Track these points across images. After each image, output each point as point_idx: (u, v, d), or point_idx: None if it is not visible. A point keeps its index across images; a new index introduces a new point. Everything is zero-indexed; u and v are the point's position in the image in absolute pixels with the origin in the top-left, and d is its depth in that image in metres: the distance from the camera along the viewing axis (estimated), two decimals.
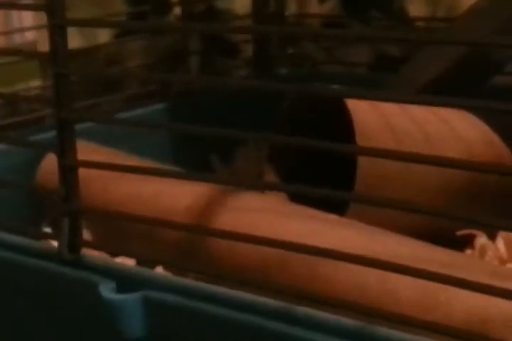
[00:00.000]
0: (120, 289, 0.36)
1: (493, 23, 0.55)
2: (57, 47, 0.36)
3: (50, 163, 0.53)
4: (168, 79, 0.46)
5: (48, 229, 0.52)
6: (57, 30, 0.36)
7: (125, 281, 0.36)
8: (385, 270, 0.32)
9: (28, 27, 0.73)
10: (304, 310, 0.33)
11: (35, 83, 0.73)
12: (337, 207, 0.46)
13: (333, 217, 0.45)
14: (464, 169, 0.31)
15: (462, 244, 0.50)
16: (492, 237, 0.51)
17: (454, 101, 0.30)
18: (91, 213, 0.40)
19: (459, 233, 0.50)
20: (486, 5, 0.57)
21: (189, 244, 0.45)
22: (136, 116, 0.62)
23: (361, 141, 0.47)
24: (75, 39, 0.75)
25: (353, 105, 0.48)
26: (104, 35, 0.82)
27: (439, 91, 0.53)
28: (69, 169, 0.37)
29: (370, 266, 0.33)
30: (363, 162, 0.47)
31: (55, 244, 0.40)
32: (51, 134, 0.52)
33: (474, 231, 0.50)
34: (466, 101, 0.29)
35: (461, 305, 0.37)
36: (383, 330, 0.32)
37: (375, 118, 0.48)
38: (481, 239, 0.50)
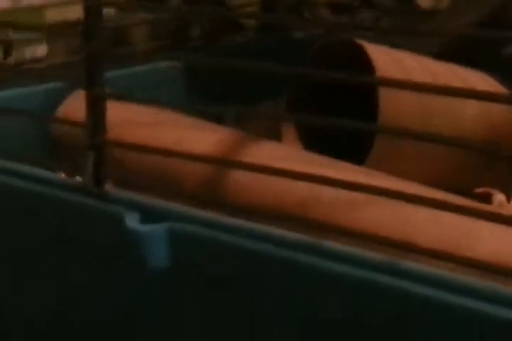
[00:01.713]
0: (145, 221, 0.36)
1: None
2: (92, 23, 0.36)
3: (71, 101, 0.53)
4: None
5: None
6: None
7: (150, 213, 0.36)
8: (407, 201, 0.33)
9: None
10: (329, 243, 0.33)
11: (42, 49, 0.73)
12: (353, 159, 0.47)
13: (350, 165, 0.46)
14: (474, 98, 0.31)
15: (480, 202, 0.50)
16: (507, 198, 0.51)
17: None
18: (117, 145, 0.40)
19: (477, 190, 0.50)
20: None
21: (208, 188, 0.45)
22: (154, 69, 0.62)
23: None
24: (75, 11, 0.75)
25: (375, 55, 0.48)
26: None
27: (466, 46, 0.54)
28: (97, 100, 0.37)
29: (393, 198, 0.33)
30: (384, 95, 0.46)
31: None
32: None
33: (491, 190, 0.50)
34: None
35: (482, 248, 0.37)
36: (409, 264, 0.32)
37: (396, 69, 0.48)
38: (499, 196, 0.50)
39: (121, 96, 0.38)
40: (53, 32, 0.67)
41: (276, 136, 0.53)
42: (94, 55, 0.37)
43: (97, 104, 0.37)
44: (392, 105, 0.47)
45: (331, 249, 0.33)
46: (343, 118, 0.53)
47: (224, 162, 0.41)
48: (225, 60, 0.35)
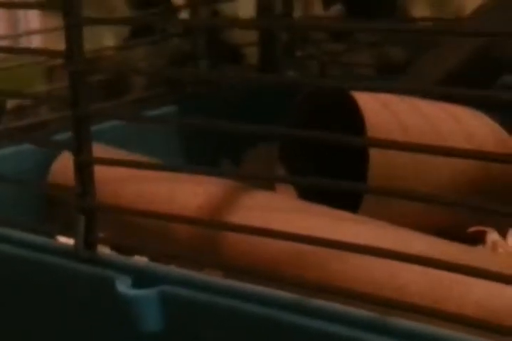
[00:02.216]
0: (136, 285, 0.36)
1: (502, 23, 0.55)
2: (73, 46, 0.36)
3: (61, 163, 0.54)
4: (193, 75, 0.46)
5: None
6: (73, 29, 0.36)
7: (141, 277, 0.37)
8: (397, 260, 0.33)
9: (41, 29, 0.74)
10: (318, 302, 0.34)
11: (40, 88, 0.74)
12: (346, 206, 0.47)
13: (344, 213, 0.46)
14: (473, 158, 0.31)
15: (473, 241, 0.50)
16: (502, 235, 0.51)
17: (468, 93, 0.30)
18: (106, 210, 0.40)
19: (470, 230, 0.50)
20: (494, 4, 0.57)
21: (201, 241, 0.45)
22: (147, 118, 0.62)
23: (372, 134, 0.48)
24: None
25: (363, 101, 0.48)
26: (108, 40, 0.82)
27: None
28: (85, 166, 0.37)
29: (382, 257, 0.33)
30: (374, 155, 0.47)
31: (66, 241, 0.40)
32: (65, 135, 0.53)
33: (485, 228, 0.51)
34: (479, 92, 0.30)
35: (474, 298, 0.37)
36: (397, 321, 0.32)
37: (385, 115, 0.49)
38: (492, 235, 0.50)
39: (110, 162, 0.38)
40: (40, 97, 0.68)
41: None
42: (80, 122, 0.37)
43: (86, 169, 0.37)
44: (384, 158, 0.47)
45: (322, 308, 0.33)
46: (337, 159, 0.54)
47: (212, 224, 0.42)
48: (216, 122, 0.36)
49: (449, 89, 0.31)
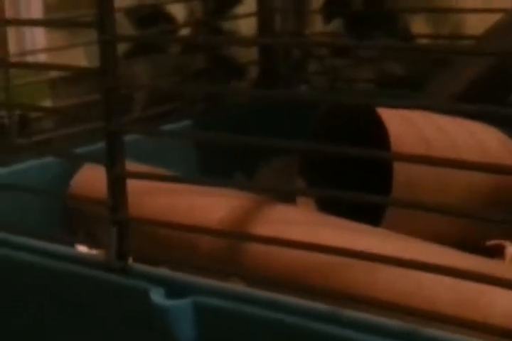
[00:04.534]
0: (168, 295, 0.37)
1: None
2: (107, 62, 0.37)
3: (83, 176, 0.54)
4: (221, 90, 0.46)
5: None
6: (107, 45, 0.37)
7: (173, 288, 0.37)
8: (425, 271, 0.34)
9: (64, 46, 0.74)
10: (350, 312, 0.34)
11: (46, 103, 0.75)
12: (366, 220, 0.47)
13: (366, 227, 0.46)
14: (491, 172, 0.32)
15: (491, 254, 0.51)
16: None
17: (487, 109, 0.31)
18: (139, 222, 0.41)
19: (489, 243, 0.51)
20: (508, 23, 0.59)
21: (223, 254, 0.46)
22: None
23: (396, 148, 0.48)
24: (82, 60, 0.76)
25: (387, 116, 0.49)
26: None
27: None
28: (118, 179, 0.38)
29: (409, 268, 0.34)
30: (399, 169, 0.48)
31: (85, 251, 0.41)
32: (93, 147, 0.54)
33: (503, 242, 0.51)
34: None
35: (500, 309, 0.38)
36: (429, 331, 0.33)
37: (407, 129, 0.50)
38: (511, 249, 0.51)
39: (142, 175, 0.39)
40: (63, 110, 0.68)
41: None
42: (114, 134, 0.38)
43: (119, 182, 0.38)
44: (408, 172, 0.48)
45: (352, 318, 0.34)
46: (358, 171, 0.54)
47: (234, 235, 0.42)
48: (231, 136, 0.36)
49: (469, 105, 0.32)
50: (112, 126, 0.38)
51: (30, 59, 0.77)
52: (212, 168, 0.67)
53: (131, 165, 0.54)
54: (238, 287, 0.37)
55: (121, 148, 0.38)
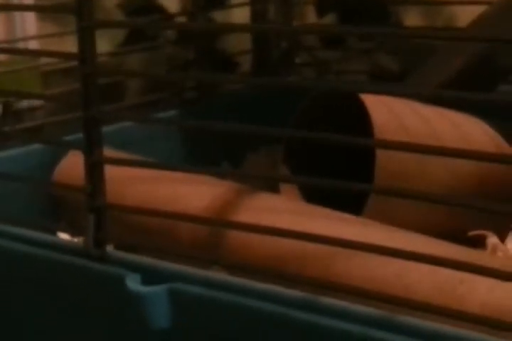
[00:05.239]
0: (146, 282, 0.37)
1: (501, 31, 0.56)
2: (85, 49, 0.37)
3: (67, 163, 0.54)
4: (215, 78, 0.46)
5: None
6: (85, 31, 0.37)
7: (150, 274, 0.37)
8: (404, 259, 0.34)
9: (53, 33, 0.74)
10: (326, 299, 0.34)
11: (38, 91, 0.74)
12: (348, 210, 0.47)
13: (348, 216, 0.46)
14: (474, 159, 0.32)
15: (473, 244, 0.51)
16: (501, 239, 0.52)
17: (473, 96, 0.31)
18: (116, 209, 0.41)
19: (471, 233, 0.51)
20: (498, 10, 0.58)
21: (205, 241, 0.46)
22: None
23: (379, 136, 0.48)
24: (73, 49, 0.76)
25: (370, 103, 0.49)
26: (102, 46, 0.83)
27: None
28: (95, 165, 0.38)
29: (388, 256, 0.34)
30: (381, 156, 0.48)
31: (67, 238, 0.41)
32: (74, 136, 0.54)
33: (485, 232, 0.51)
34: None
35: (478, 298, 0.38)
36: (404, 318, 0.33)
37: (390, 117, 0.50)
38: (492, 239, 0.51)
39: (119, 161, 0.39)
40: (52, 97, 0.68)
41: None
42: (92, 121, 0.38)
43: (96, 168, 0.38)
44: (390, 159, 0.48)
45: (328, 306, 0.34)
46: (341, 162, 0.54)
47: (216, 222, 0.42)
48: (217, 123, 0.36)
49: (456, 92, 0.32)
50: (89, 112, 0.37)
51: (21, 46, 0.77)
52: (200, 158, 0.67)
53: (112, 153, 0.54)
54: (215, 274, 0.37)
55: (100, 134, 0.38)
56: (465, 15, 0.80)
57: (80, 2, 0.37)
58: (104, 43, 0.82)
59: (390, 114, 0.50)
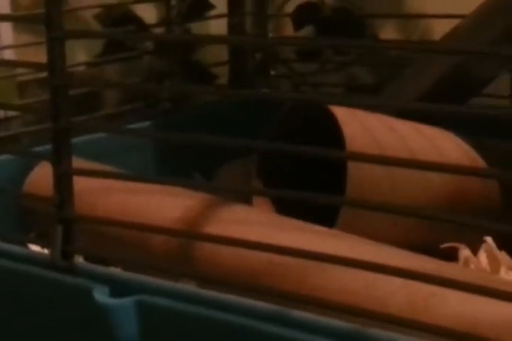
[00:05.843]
0: (113, 294, 0.37)
1: (487, 36, 0.57)
2: (55, 59, 0.37)
3: (37, 174, 0.54)
4: (189, 90, 0.46)
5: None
6: (55, 42, 0.37)
7: (118, 287, 0.37)
8: (375, 272, 0.33)
9: (26, 43, 0.74)
10: (298, 312, 0.34)
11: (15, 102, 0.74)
12: (322, 222, 0.47)
13: (320, 228, 0.46)
14: (446, 172, 0.32)
15: (445, 257, 0.51)
16: (473, 252, 0.52)
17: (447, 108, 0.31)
18: (85, 220, 0.40)
19: (444, 246, 0.51)
20: (471, 23, 0.59)
21: (177, 253, 0.46)
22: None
23: (350, 148, 0.48)
24: None
25: (341, 115, 0.49)
26: (80, 56, 0.83)
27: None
28: (64, 176, 0.38)
29: (359, 268, 0.34)
30: (352, 169, 0.47)
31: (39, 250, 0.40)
32: (42, 148, 0.54)
33: (457, 245, 0.51)
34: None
35: (450, 311, 0.38)
36: (375, 332, 0.33)
37: (362, 130, 0.49)
38: (464, 252, 0.51)
39: (88, 172, 0.38)
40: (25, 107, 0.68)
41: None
42: (60, 134, 0.37)
43: (64, 179, 0.38)
44: (361, 172, 0.48)
45: (301, 319, 0.34)
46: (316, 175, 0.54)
47: (187, 235, 0.42)
48: (191, 135, 0.36)
49: (427, 105, 0.32)
50: (58, 123, 0.37)
51: None
52: (171, 169, 0.67)
53: (84, 164, 0.54)
54: (183, 286, 0.37)
55: (69, 145, 0.38)
56: (440, 28, 0.81)
57: (49, 12, 0.37)
58: (83, 54, 0.82)
59: (362, 127, 0.50)
